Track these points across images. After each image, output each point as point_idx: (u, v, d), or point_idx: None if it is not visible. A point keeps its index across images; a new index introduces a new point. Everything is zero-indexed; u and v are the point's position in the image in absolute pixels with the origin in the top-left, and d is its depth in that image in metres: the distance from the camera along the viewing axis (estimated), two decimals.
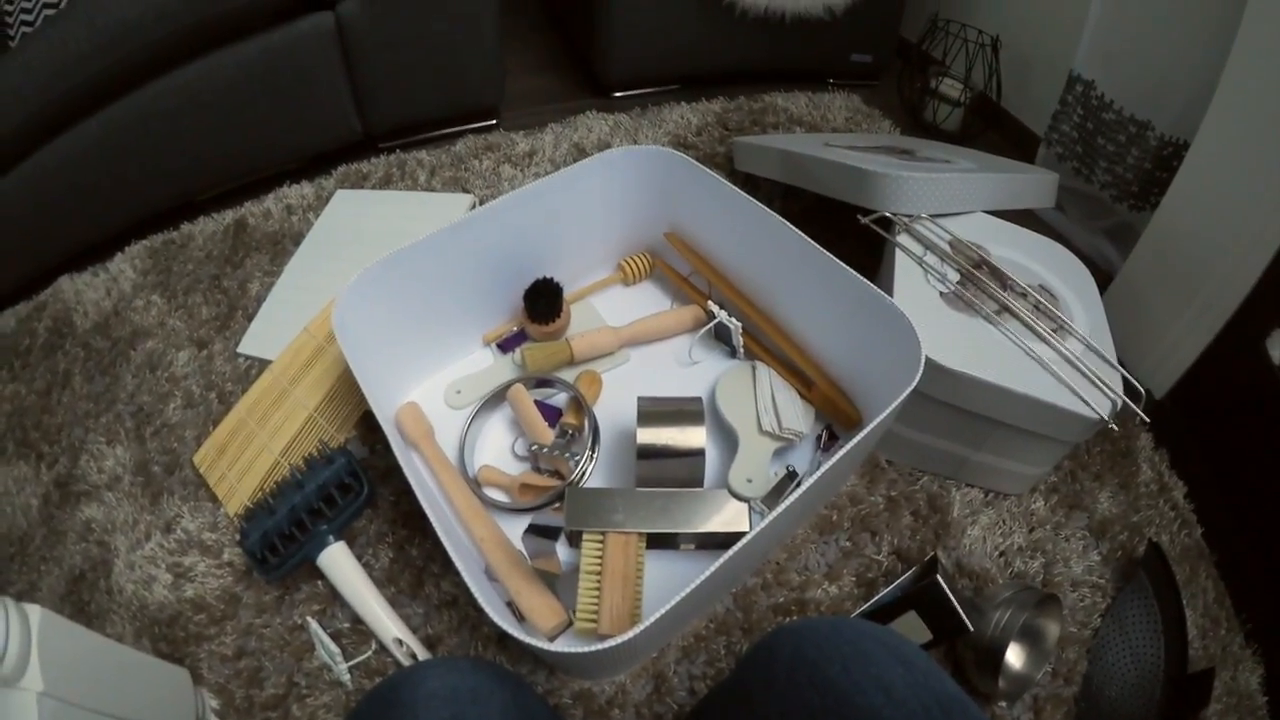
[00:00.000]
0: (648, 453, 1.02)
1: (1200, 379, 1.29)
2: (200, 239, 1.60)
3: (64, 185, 1.54)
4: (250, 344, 1.36)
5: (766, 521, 0.78)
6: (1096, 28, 1.57)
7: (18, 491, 1.22)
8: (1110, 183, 1.62)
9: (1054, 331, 1.09)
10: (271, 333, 1.36)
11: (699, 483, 1.05)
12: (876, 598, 0.99)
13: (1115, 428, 1.01)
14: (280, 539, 1.02)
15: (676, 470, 1.03)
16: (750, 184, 1.69)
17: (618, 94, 2.12)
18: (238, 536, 1.09)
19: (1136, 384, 1.04)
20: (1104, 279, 1.42)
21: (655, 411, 1.04)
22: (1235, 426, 1.26)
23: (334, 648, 0.96)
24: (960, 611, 0.91)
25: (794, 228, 1.11)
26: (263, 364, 1.33)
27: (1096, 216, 1.69)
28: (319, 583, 1.04)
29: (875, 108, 2.08)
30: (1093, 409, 0.99)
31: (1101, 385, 1.02)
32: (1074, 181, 1.72)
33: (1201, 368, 1.28)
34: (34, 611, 0.73)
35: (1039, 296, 1.13)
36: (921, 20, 2.09)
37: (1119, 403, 1.01)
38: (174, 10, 1.43)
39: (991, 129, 2.05)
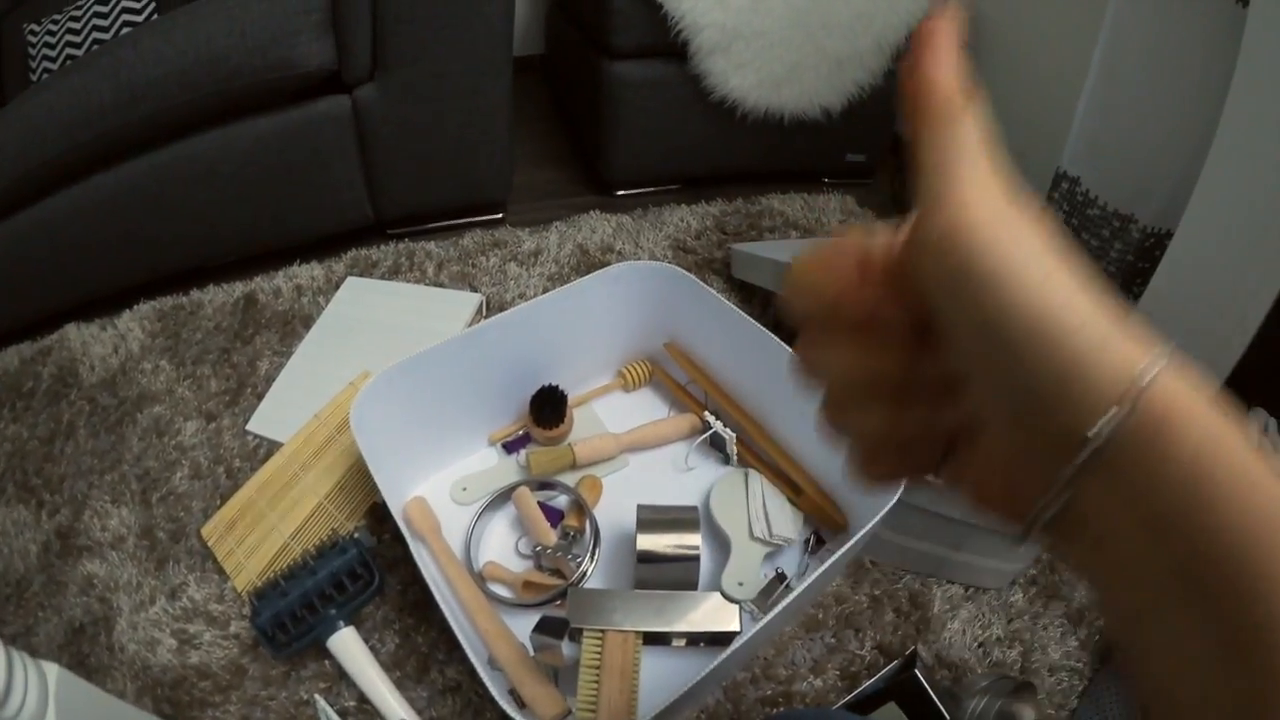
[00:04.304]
0: (647, 558, 1.17)
1: None
2: (210, 309, 1.75)
3: (75, 233, 1.67)
4: (259, 423, 1.49)
5: (758, 626, 0.93)
6: (1083, 125, 1.74)
7: (16, 534, 1.33)
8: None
9: None
10: (281, 414, 1.50)
11: (693, 585, 1.19)
12: (859, 690, 1.13)
13: None
14: (290, 619, 1.15)
15: (673, 574, 1.18)
16: (747, 289, 1.86)
17: (620, 192, 2.30)
18: (246, 612, 1.21)
19: None
20: None
21: (654, 519, 1.20)
22: None
23: None
24: (937, 701, 1.05)
25: (786, 346, 1.27)
26: (271, 444, 1.46)
27: None
28: (326, 662, 1.16)
29: (868, 208, 2.28)
30: None
31: None
32: None
33: None
34: (51, 669, 0.84)
35: None
36: None
37: None
38: (196, 78, 1.57)
39: None
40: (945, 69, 0.31)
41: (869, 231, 0.33)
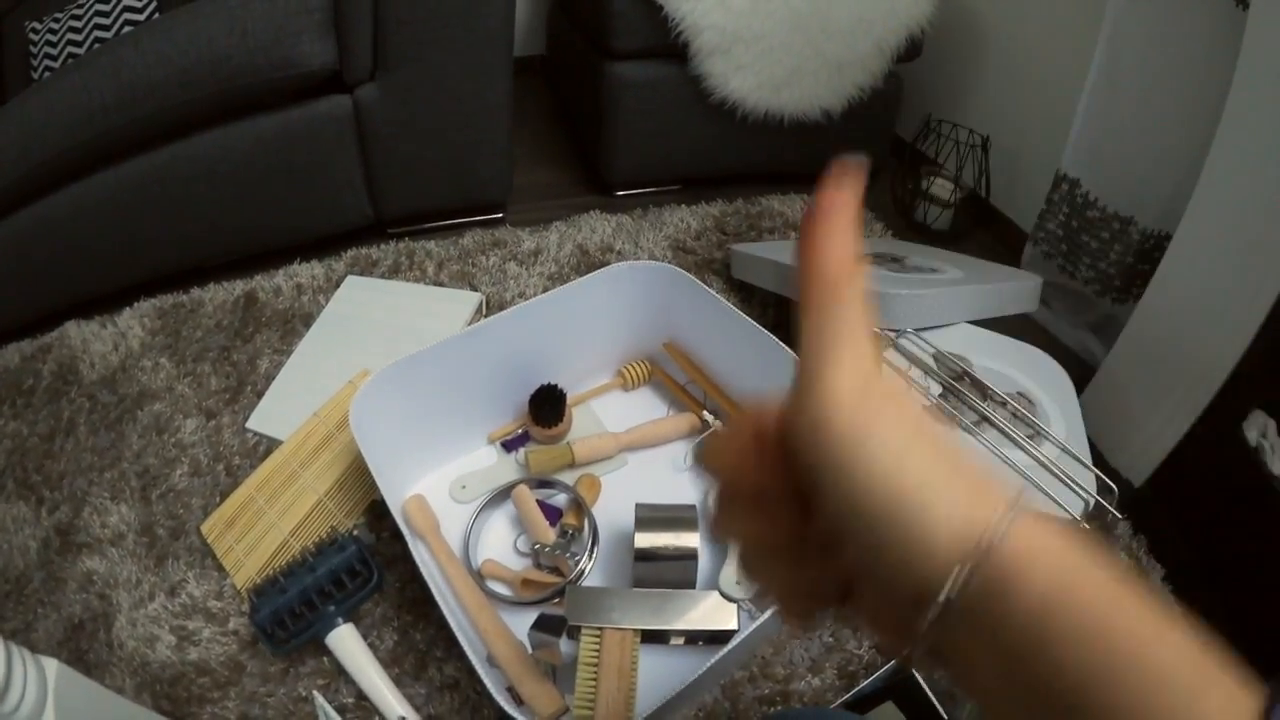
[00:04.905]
0: (645, 556, 1.17)
1: (1179, 464, 1.41)
2: (210, 307, 1.75)
3: (76, 231, 1.67)
4: (259, 421, 1.49)
5: (755, 624, 0.94)
6: (1083, 128, 1.74)
7: (16, 531, 1.33)
8: (1094, 278, 1.80)
9: (1030, 437, 1.24)
10: (281, 412, 1.50)
11: (692, 584, 1.20)
12: (856, 689, 1.13)
13: (1087, 526, 1.15)
14: (289, 616, 1.15)
15: (671, 572, 1.18)
16: (746, 289, 1.86)
17: (620, 193, 2.30)
18: (245, 608, 1.21)
19: (1109, 482, 1.19)
20: (1088, 372, 1.58)
21: (653, 518, 1.20)
22: (1212, 506, 1.37)
23: None
24: (935, 701, 1.05)
25: (785, 346, 1.27)
26: (271, 441, 1.46)
27: (1081, 311, 1.86)
28: (325, 658, 1.16)
29: (868, 209, 2.26)
30: (1065, 510, 1.14)
31: (1074, 486, 1.17)
32: (1059, 278, 1.89)
33: (1180, 453, 1.40)
34: (50, 664, 0.84)
35: (1017, 405, 1.29)
36: (916, 121, 2.30)
37: (1091, 502, 1.16)
38: (197, 77, 1.57)
39: (980, 227, 2.26)
40: (838, 248, 0.33)
41: (765, 405, 0.36)
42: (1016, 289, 1.55)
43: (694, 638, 1.11)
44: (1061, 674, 0.27)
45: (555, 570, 1.23)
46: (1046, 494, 1.15)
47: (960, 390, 1.30)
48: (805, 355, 0.32)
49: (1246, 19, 1.22)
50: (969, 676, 0.31)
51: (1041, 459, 1.21)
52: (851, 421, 0.30)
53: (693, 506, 1.23)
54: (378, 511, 1.34)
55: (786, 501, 0.34)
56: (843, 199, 0.33)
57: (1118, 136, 1.67)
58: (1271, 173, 1.20)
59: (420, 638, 1.19)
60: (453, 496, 1.34)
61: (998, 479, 0.31)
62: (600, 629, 1.06)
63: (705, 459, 0.41)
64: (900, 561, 0.29)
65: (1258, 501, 1.24)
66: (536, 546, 1.24)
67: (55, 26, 1.93)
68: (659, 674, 1.08)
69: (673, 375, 1.52)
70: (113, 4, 1.89)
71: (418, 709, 1.11)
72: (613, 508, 1.32)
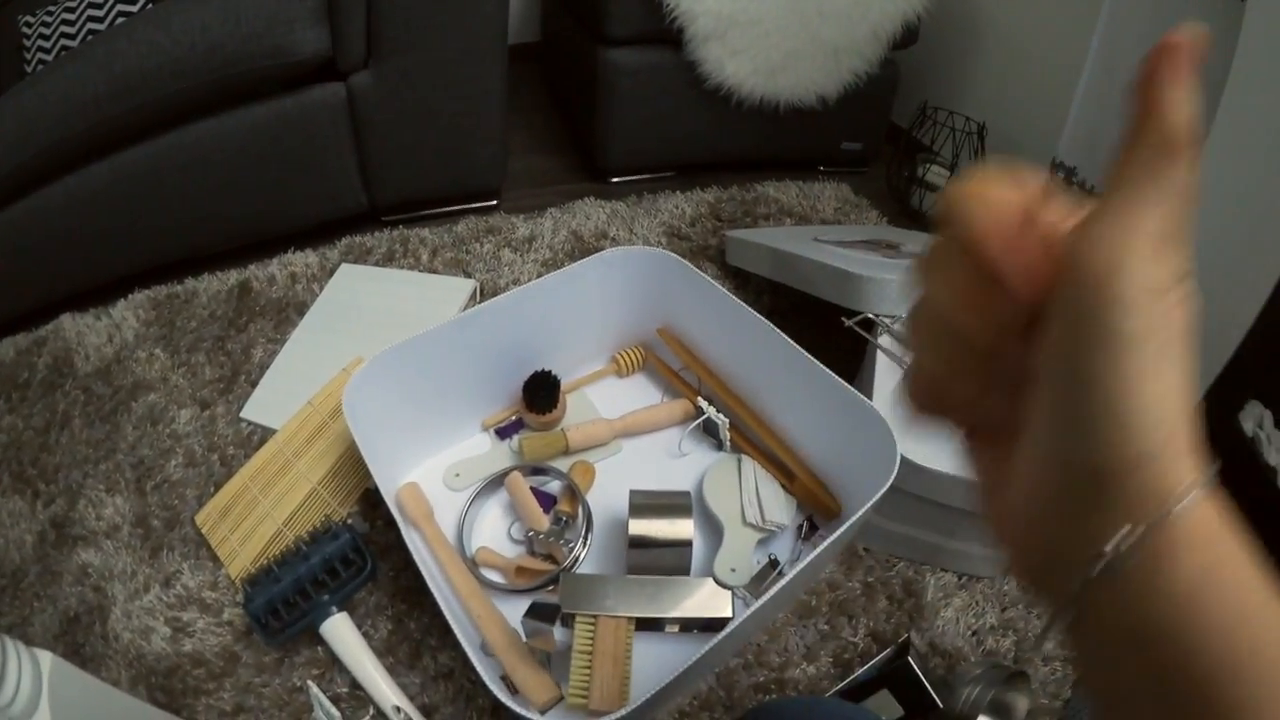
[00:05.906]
0: (639, 543, 1.16)
1: None
2: (204, 297, 1.74)
3: (70, 223, 1.66)
4: (253, 410, 1.48)
5: (750, 611, 0.93)
6: (1079, 115, 1.73)
7: (12, 525, 1.32)
8: None
9: None
10: (275, 401, 1.48)
11: (686, 571, 1.18)
12: (852, 677, 1.12)
13: None
14: (283, 605, 1.14)
15: (665, 559, 1.17)
16: (741, 276, 1.84)
17: (615, 179, 2.29)
18: (240, 598, 1.20)
19: None
20: None
21: (646, 504, 1.19)
22: None
23: (334, 711, 1.07)
24: (930, 690, 1.04)
25: (780, 332, 1.26)
26: (265, 431, 1.45)
27: None
28: (319, 648, 1.15)
29: (864, 196, 2.26)
30: None
31: None
32: None
33: None
34: (44, 657, 0.83)
35: None
36: (912, 108, 2.28)
37: None
38: (190, 67, 1.56)
39: None
40: (1182, 95, 0.28)
41: (1051, 185, 0.32)
42: None
43: (689, 625, 1.10)
44: (1194, 662, 0.26)
45: (549, 558, 1.22)
46: None
47: None
48: (1118, 203, 0.29)
49: (1244, 8, 1.22)
50: (1096, 657, 0.30)
51: None
52: (1129, 315, 0.27)
53: (687, 493, 1.22)
54: (371, 500, 1.33)
55: (1016, 296, 0.31)
56: (1190, 46, 0.29)
57: (1114, 124, 1.65)
58: (1268, 163, 1.19)
59: (414, 626, 1.18)
60: (446, 484, 1.33)
61: (1198, 447, 0.28)
62: (595, 616, 1.05)
63: (963, 194, 0.32)
64: (1089, 485, 0.28)
65: (1254, 492, 1.23)
66: (531, 534, 1.23)
67: (48, 20, 1.91)
68: (653, 661, 1.07)
69: (667, 361, 1.51)
70: None
71: (412, 698, 1.10)
72: (607, 494, 1.31)
